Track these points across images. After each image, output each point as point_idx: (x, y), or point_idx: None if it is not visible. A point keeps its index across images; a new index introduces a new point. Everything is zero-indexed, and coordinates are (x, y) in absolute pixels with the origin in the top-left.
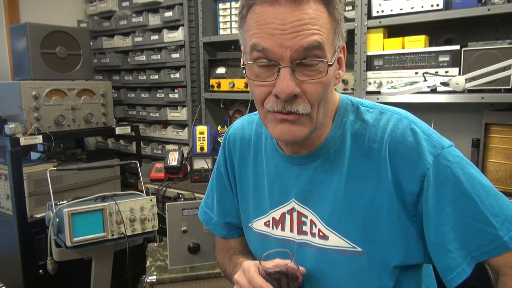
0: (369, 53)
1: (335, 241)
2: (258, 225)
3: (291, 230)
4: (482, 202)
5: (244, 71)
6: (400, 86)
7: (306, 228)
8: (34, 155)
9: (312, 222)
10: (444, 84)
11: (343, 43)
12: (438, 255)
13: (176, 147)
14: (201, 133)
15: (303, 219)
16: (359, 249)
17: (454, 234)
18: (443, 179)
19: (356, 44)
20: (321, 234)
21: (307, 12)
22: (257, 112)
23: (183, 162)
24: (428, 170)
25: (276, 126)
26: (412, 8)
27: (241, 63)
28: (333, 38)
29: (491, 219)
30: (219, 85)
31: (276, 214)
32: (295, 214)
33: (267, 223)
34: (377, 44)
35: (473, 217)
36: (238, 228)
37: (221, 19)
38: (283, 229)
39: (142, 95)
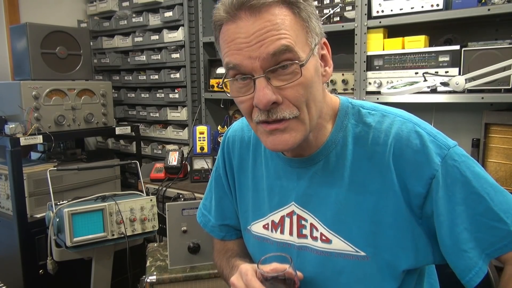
0: (369, 53)
1: (339, 245)
2: (257, 228)
3: (291, 234)
4: (492, 199)
5: (223, 90)
6: (400, 86)
7: (306, 231)
8: (34, 155)
9: (312, 225)
10: (444, 84)
11: (322, 39)
12: (454, 256)
13: (176, 147)
14: (201, 133)
15: (303, 222)
16: (363, 253)
17: (467, 233)
18: (452, 179)
19: (356, 44)
20: (323, 237)
21: (268, 20)
22: None
23: (183, 162)
24: (437, 171)
25: (267, 139)
26: (412, 8)
27: (220, 83)
28: (305, 38)
29: (502, 215)
30: (219, 85)
31: (276, 217)
32: (295, 218)
33: (266, 226)
34: (377, 44)
35: (484, 215)
36: (237, 230)
37: None
38: (282, 232)
39: (142, 95)
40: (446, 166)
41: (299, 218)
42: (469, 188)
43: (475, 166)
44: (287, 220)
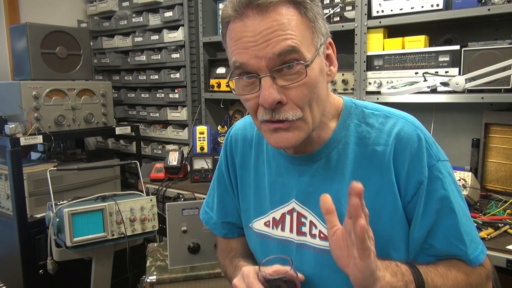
0: (369, 53)
1: None
2: (258, 225)
3: (291, 231)
4: (460, 219)
5: (230, 88)
6: (400, 86)
7: (305, 229)
8: (34, 155)
9: (311, 223)
10: (444, 84)
11: (327, 39)
12: (412, 253)
13: (176, 147)
14: (201, 133)
15: (303, 220)
16: None
17: (427, 239)
18: (432, 189)
19: (356, 44)
20: (322, 235)
21: (275, 19)
22: None
23: (183, 162)
24: (426, 178)
25: (271, 136)
26: (412, 8)
27: (226, 81)
28: (311, 38)
29: (464, 236)
30: (219, 85)
31: (277, 214)
32: (295, 215)
33: (267, 223)
34: (377, 44)
35: (449, 231)
36: (239, 227)
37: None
38: (283, 229)
39: (142, 95)
40: (431, 176)
41: (299, 215)
42: (444, 203)
43: (454, 186)
44: (288, 217)
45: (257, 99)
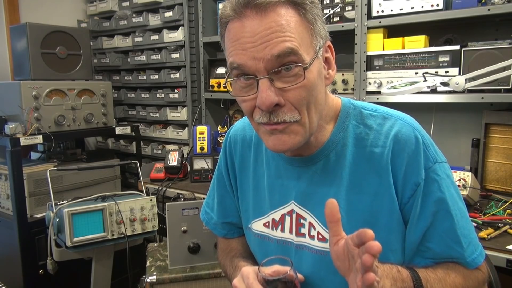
0: (369, 53)
1: None
2: (258, 226)
3: (291, 232)
4: (457, 221)
5: (227, 89)
6: (400, 86)
7: (304, 230)
8: (34, 155)
9: (311, 224)
10: (444, 84)
11: (326, 42)
12: (408, 255)
13: (176, 147)
14: (201, 133)
15: (302, 221)
16: None
17: (424, 241)
18: (430, 191)
19: (356, 44)
20: (320, 236)
21: (274, 20)
22: None
23: (183, 162)
24: (422, 180)
25: (268, 138)
26: (412, 8)
27: (224, 82)
28: (310, 40)
29: (461, 238)
30: (219, 85)
31: (276, 215)
32: (294, 216)
33: (267, 224)
34: (377, 44)
35: (446, 233)
36: (239, 227)
37: None
38: (282, 230)
39: (142, 95)
40: (427, 178)
41: (298, 216)
42: (441, 205)
43: (452, 188)
44: (287, 219)
45: (254, 101)
